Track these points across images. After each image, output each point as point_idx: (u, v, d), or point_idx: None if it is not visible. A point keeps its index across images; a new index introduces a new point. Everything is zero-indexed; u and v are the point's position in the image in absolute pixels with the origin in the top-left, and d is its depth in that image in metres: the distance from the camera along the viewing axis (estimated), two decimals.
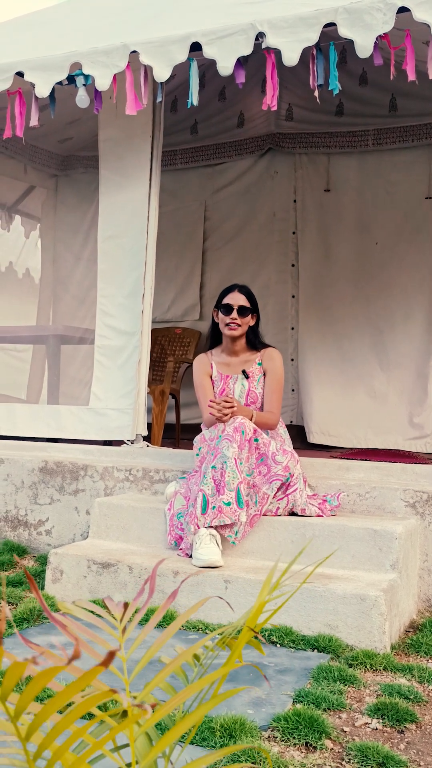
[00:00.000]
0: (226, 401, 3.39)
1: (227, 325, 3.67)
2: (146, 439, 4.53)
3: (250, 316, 3.71)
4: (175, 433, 5.96)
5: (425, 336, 5.77)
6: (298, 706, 2.23)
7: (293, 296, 6.19)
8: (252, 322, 3.74)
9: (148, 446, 4.43)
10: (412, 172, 5.85)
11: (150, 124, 4.49)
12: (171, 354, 6.28)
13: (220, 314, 3.72)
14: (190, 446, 5.76)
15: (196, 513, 3.24)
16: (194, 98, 3.94)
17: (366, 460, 5.32)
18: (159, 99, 4.08)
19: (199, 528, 3.23)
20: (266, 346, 3.78)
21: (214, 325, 3.81)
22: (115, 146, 4.61)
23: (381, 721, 2.18)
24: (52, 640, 2.79)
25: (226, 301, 3.70)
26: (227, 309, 3.68)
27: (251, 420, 3.45)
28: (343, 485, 3.57)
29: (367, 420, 5.85)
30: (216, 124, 6.40)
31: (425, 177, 5.82)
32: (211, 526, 3.23)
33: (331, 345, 5.96)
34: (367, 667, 2.60)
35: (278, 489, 3.34)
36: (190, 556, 3.28)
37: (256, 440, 3.38)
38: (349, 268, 5.99)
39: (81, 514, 4.08)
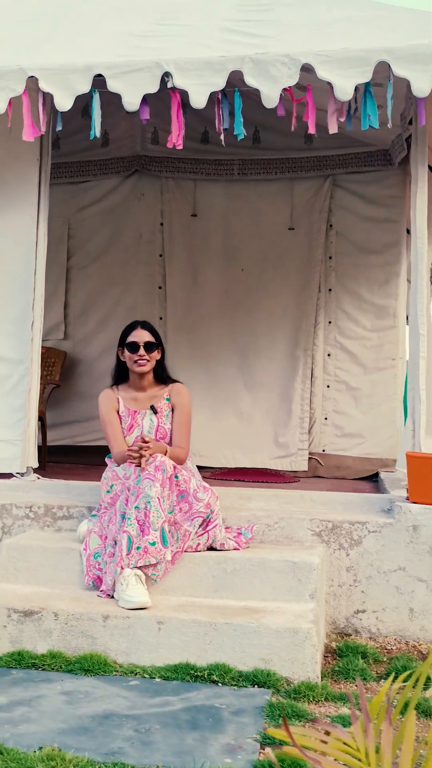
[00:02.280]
0: (144, 441, 3.41)
1: (136, 362, 3.68)
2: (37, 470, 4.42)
3: (156, 350, 3.75)
4: (41, 455, 5.80)
5: (289, 360, 6.05)
6: (268, 749, 2.33)
7: (161, 318, 6.23)
8: (158, 356, 3.78)
9: (39, 479, 4.32)
10: (275, 203, 6.10)
11: (37, 147, 4.38)
12: None
13: (126, 352, 3.73)
14: (58, 469, 5.66)
15: (121, 554, 3.24)
16: (96, 130, 3.92)
17: (238, 480, 5.54)
18: (59, 128, 4.01)
19: (123, 569, 3.23)
20: (173, 381, 3.84)
21: (119, 363, 3.81)
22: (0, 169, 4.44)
23: None
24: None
25: (131, 339, 3.72)
26: (133, 347, 3.70)
27: (166, 454, 3.50)
28: (252, 516, 3.71)
29: (234, 440, 6.03)
30: (79, 141, 6.27)
31: (287, 209, 6.10)
32: (137, 567, 3.24)
33: (199, 367, 6.08)
34: (310, 699, 2.76)
35: (199, 525, 3.42)
36: (112, 597, 3.27)
37: (176, 477, 3.43)
38: (215, 292, 6.14)
39: None
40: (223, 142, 3.89)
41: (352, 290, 5.95)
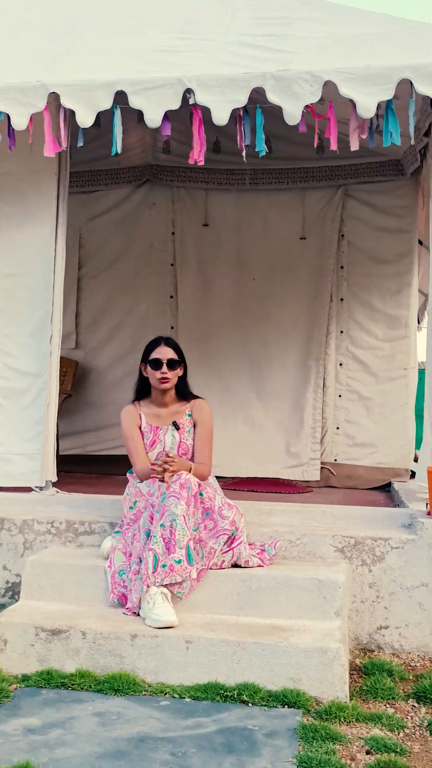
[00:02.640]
0: (168, 458, 3.42)
1: (159, 379, 3.69)
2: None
3: (179, 367, 3.75)
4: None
5: (301, 369, 6.06)
6: None
7: (172, 327, 6.24)
8: (180, 373, 3.79)
9: (57, 492, 4.33)
10: (287, 212, 6.11)
11: (56, 161, 4.39)
12: None
13: (149, 368, 3.74)
14: (71, 479, 5.64)
15: (147, 572, 3.25)
16: (118, 146, 3.93)
17: (252, 490, 5.55)
18: (80, 143, 4.01)
19: (149, 587, 3.24)
20: (195, 397, 3.85)
21: (142, 378, 3.82)
22: (17, 181, 4.45)
23: None
24: (25, 722, 2.69)
25: (154, 355, 3.73)
26: (156, 364, 3.71)
27: (190, 471, 3.51)
28: (275, 532, 3.72)
29: (247, 449, 6.04)
30: (90, 151, 6.26)
31: (299, 218, 6.11)
32: (163, 585, 3.25)
33: (210, 376, 6.07)
34: (341, 720, 2.77)
35: (224, 542, 3.43)
36: (138, 615, 3.28)
37: (201, 494, 3.44)
38: (227, 301, 6.15)
39: None
40: (244, 159, 3.89)
41: (364, 300, 5.97)
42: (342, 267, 6.04)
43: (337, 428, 6.02)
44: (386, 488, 5.78)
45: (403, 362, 5.91)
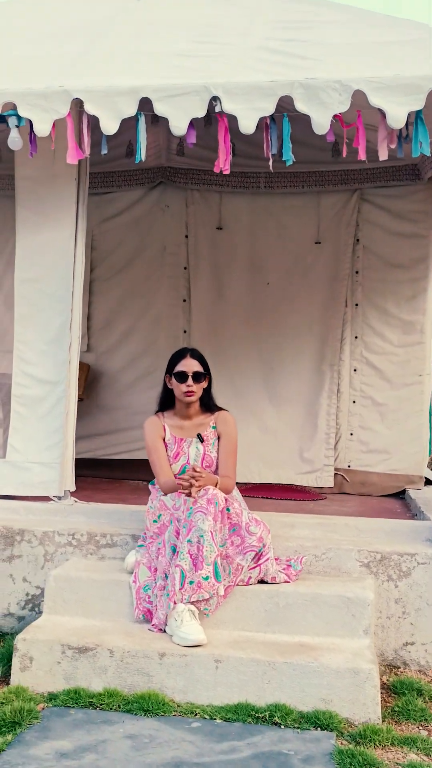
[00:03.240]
0: (195, 472, 3.38)
1: (184, 392, 3.65)
2: None
3: (204, 379, 3.71)
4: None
5: (314, 374, 6.01)
6: None
7: (185, 331, 6.19)
8: (205, 385, 3.75)
9: (76, 502, 4.28)
10: (302, 216, 6.05)
11: (75, 165, 4.33)
12: None
13: (174, 381, 3.69)
14: (83, 484, 5.52)
15: (174, 588, 3.21)
16: (142, 154, 3.87)
17: (266, 497, 5.52)
18: (104, 151, 3.96)
19: (176, 604, 3.20)
20: (219, 408, 3.80)
21: (166, 390, 3.77)
22: (35, 186, 4.39)
23: None
24: (57, 745, 2.65)
25: (179, 368, 3.68)
26: (182, 377, 3.66)
27: (216, 485, 3.47)
28: (300, 547, 3.68)
29: (259, 455, 5.99)
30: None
31: (314, 222, 6.05)
32: (190, 602, 3.21)
33: (223, 380, 5.98)
34: (376, 743, 2.74)
35: (251, 559, 3.39)
36: (164, 631, 3.25)
37: (228, 510, 3.40)
38: (241, 305, 6.08)
39: (17, 582, 3.86)
40: (271, 168, 3.84)
41: (379, 305, 5.90)
42: (357, 272, 5.98)
43: (351, 434, 5.97)
44: (400, 495, 5.75)
45: (418, 368, 5.85)
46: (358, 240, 5.98)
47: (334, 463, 5.95)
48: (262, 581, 3.45)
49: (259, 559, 3.41)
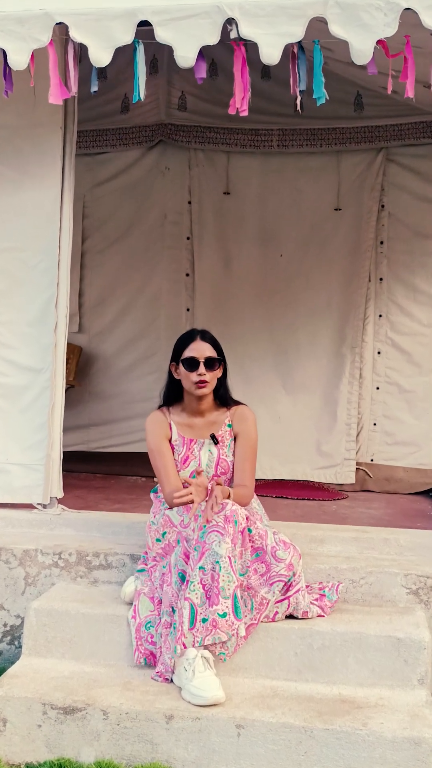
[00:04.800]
0: (198, 483, 2.72)
1: (195, 383, 2.98)
2: None
3: (218, 367, 3.05)
4: None
5: (333, 358, 5.40)
6: None
7: (188, 309, 5.58)
8: (220, 374, 3.09)
9: (64, 511, 3.64)
10: (320, 179, 5.41)
11: (61, 113, 3.65)
12: None
13: (182, 369, 3.03)
14: (74, 480, 4.97)
15: (182, 627, 2.58)
16: (141, 92, 3.18)
17: (281, 497, 4.90)
18: (94, 88, 3.26)
19: (186, 648, 2.57)
20: (236, 402, 3.15)
21: (171, 381, 3.11)
22: (14, 137, 3.73)
23: None
24: None
25: (188, 353, 3.02)
26: (192, 364, 3.00)
27: (229, 497, 2.82)
28: (334, 570, 3.05)
29: (272, 448, 5.38)
30: (95, 108, 5.53)
31: (334, 186, 5.40)
32: (203, 645, 2.58)
33: (231, 365, 5.20)
34: None
35: (278, 590, 2.75)
36: (170, 681, 2.62)
37: (250, 530, 2.76)
38: (251, 281, 5.48)
39: None
40: (299, 107, 3.15)
41: (406, 280, 5.29)
42: (382, 242, 5.35)
43: (374, 424, 5.38)
44: (430, 493, 5.15)
45: None
46: (383, 206, 5.37)
47: (356, 456, 5.34)
48: (290, 616, 2.81)
49: (288, 590, 2.77)
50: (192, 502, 2.67)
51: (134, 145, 5.60)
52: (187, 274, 5.57)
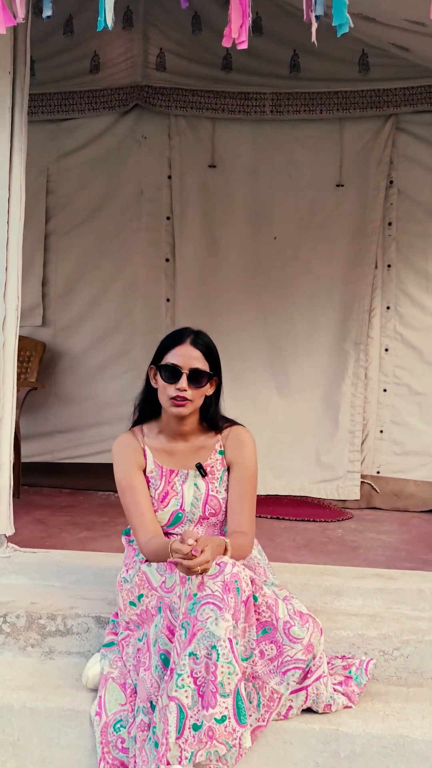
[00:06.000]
0: (192, 544, 2.00)
1: (172, 399, 2.28)
2: None
3: (206, 383, 2.34)
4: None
5: (335, 356, 4.78)
6: None
7: (168, 300, 4.94)
8: (210, 391, 2.39)
9: (15, 551, 2.93)
10: (320, 151, 4.79)
11: (8, 50, 2.93)
12: None
13: (159, 378, 2.32)
14: (35, 497, 4.49)
15: (166, 738, 1.88)
16: (108, 19, 2.44)
17: (275, 517, 4.26)
18: (47, 13, 2.52)
19: (170, 765, 1.88)
20: (230, 422, 2.45)
21: (149, 389, 2.40)
22: None
23: None
24: None
25: (170, 359, 2.31)
26: (172, 373, 2.29)
27: (226, 552, 2.12)
28: (361, 639, 2.36)
29: (265, 459, 4.58)
30: (60, 66, 4.92)
31: (336, 158, 4.77)
32: (195, 761, 1.89)
33: None
34: None
35: (294, 679, 2.06)
36: None
37: (255, 598, 2.06)
38: (240, 267, 4.84)
39: None
40: (314, 37, 2.43)
41: (418, 266, 4.71)
42: (390, 224, 4.74)
43: (381, 431, 4.79)
44: None
45: None
46: (391, 182, 4.77)
47: (360, 468, 4.73)
48: (309, 709, 2.12)
49: (305, 677, 2.08)
50: (192, 558, 1.96)
51: (105, 110, 4.95)
52: (167, 260, 4.93)
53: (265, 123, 4.78)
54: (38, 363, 4.82)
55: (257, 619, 2.05)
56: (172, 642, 2.04)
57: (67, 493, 4.78)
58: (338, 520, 4.31)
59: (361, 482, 4.71)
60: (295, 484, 4.76)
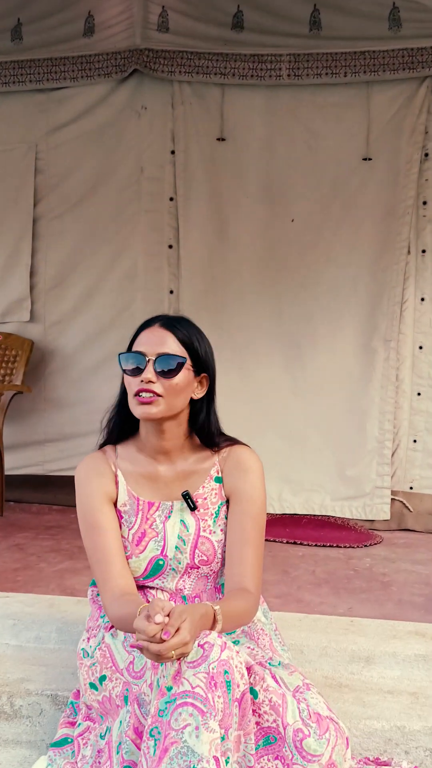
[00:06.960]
0: (166, 617, 1.43)
1: (135, 396, 1.72)
2: None
3: (182, 374, 1.76)
4: None
5: (361, 355, 4.29)
6: None
7: (171, 291, 4.46)
8: (199, 393, 1.81)
9: None
10: (344, 120, 4.28)
11: None
12: None
13: (125, 374, 1.77)
14: (21, 514, 4.19)
15: None
16: None
17: (292, 542, 3.71)
18: None
19: None
20: (231, 441, 1.88)
21: (124, 398, 1.84)
22: None
23: None
24: None
25: (135, 345, 1.76)
26: (135, 361, 1.73)
27: (215, 625, 1.54)
28: (397, 731, 1.78)
29: (281, 473, 4.29)
30: (51, 29, 4.44)
31: (363, 128, 4.26)
32: None
33: (227, 364, 4.21)
34: None
35: None
36: None
37: (254, 693, 1.48)
38: (252, 254, 4.35)
39: None
40: None
41: None
42: (425, 203, 4.21)
43: (414, 441, 4.28)
44: None
45: None
46: (426, 154, 4.26)
47: (390, 484, 4.24)
48: None
49: None
50: (161, 642, 1.39)
51: (101, 77, 4.46)
52: (170, 246, 4.44)
53: (281, 89, 4.28)
54: (25, 363, 4.35)
55: (257, 724, 1.47)
56: (139, 748, 1.48)
57: (57, 510, 4.30)
58: (365, 546, 3.75)
59: (392, 500, 4.19)
60: (315, 502, 4.22)
